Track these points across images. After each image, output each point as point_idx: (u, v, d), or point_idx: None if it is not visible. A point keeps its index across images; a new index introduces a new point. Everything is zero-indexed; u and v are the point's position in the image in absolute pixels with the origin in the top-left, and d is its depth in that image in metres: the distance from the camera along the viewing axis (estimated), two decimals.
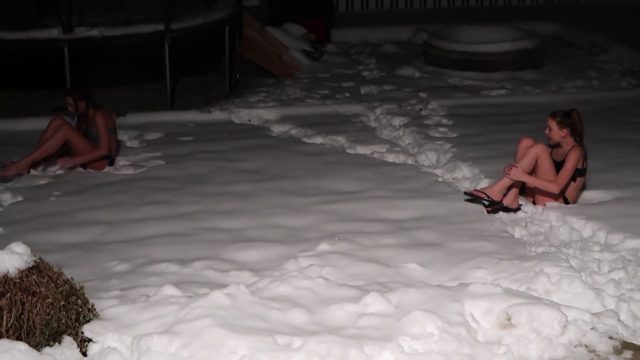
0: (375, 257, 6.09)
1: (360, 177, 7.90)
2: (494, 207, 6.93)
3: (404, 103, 10.53)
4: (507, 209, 6.93)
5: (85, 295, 5.00)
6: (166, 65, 10.35)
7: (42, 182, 7.89)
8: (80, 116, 8.22)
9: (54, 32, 10.04)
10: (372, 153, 8.68)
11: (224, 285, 5.33)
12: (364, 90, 11.38)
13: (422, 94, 10.98)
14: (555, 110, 7.11)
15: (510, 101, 10.63)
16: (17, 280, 4.71)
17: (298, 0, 13.75)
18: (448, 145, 8.66)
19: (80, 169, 8.23)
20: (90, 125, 8.19)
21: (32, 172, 8.09)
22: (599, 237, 6.38)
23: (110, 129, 8.25)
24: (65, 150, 8.23)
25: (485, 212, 6.97)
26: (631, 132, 9.11)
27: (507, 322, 5.02)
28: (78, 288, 4.96)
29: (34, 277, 4.76)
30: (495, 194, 6.89)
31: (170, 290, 5.26)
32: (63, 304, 4.77)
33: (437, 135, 9.14)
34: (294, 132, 9.50)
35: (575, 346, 4.93)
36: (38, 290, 4.72)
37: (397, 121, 9.76)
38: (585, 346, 4.94)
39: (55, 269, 4.93)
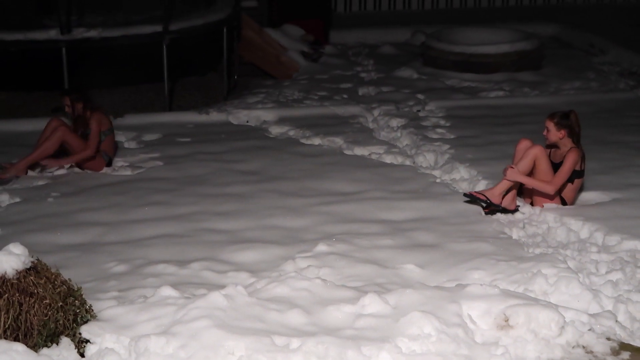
0: (373, 258, 6.09)
1: (358, 178, 7.90)
2: (492, 208, 6.94)
3: (401, 104, 10.53)
4: (505, 210, 6.94)
5: (83, 296, 5.00)
6: (164, 67, 10.35)
7: (40, 183, 7.89)
8: (77, 117, 8.21)
9: (53, 33, 10.04)
10: (370, 154, 8.68)
11: (221, 286, 5.33)
12: (361, 91, 11.38)
13: (420, 96, 10.98)
14: (553, 111, 7.12)
15: (509, 102, 10.63)
16: (15, 281, 4.71)
17: (296, 2, 13.75)
18: (446, 147, 8.66)
19: (78, 170, 8.23)
20: (87, 127, 8.19)
21: (30, 173, 8.10)
22: (596, 238, 6.38)
23: (107, 130, 8.25)
24: (62, 151, 8.23)
25: (483, 213, 6.97)
26: (629, 134, 9.11)
27: (505, 323, 5.02)
28: (76, 289, 4.96)
29: (32, 278, 4.76)
30: (495, 197, 6.89)
31: (168, 291, 5.26)
32: (61, 305, 4.77)
33: (435, 136, 9.14)
34: (292, 133, 9.50)
35: (573, 347, 4.94)
36: (36, 291, 4.73)
37: (395, 122, 9.76)
38: (583, 347, 4.94)
39: (53, 270, 4.93)
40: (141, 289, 5.58)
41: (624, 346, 4.97)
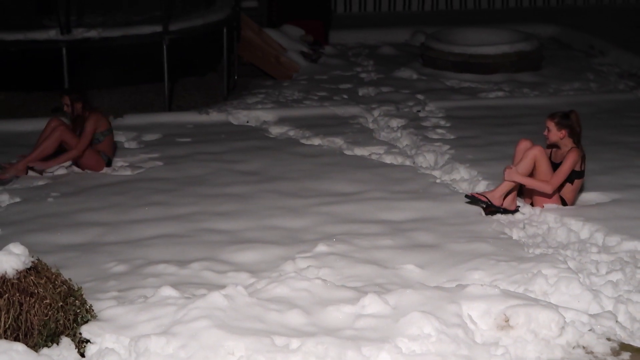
0: (373, 259, 6.09)
1: (358, 178, 7.90)
2: (492, 209, 6.94)
3: (401, 105, 10.53)
4: (505, 211, 6.94)
5: (83, 296, 5.00)
6: (164, 67, 10.35)
7: (40, 183, 7.89)
8: (76, 117, 8.21)
9: (53, 33, 10.04)
10: (370, 154, 8.68)
11: (221, 287, 5.33)
12: (361, 92, 11.38)
13: (419, 96, 10.98)
14: (553, 111, 7.12)
15: (508, 103, 10.63)
16: (15, 281, 4.71)
17: (296, 2, 13.75)
18: (446, 147, 8.67)
19: (78, 170, 8.23)
20: (84, 127, 8.18)
21: (30, 173, 8.09)
22: (596, 238, 6.39)
23: (106, 130, 8.24)
24: (62, 151, 8.22)
25: (483, 213, 6.97)
26: (629, 135, 9.12)
27: (505, 324, 5.02)
28: (76, 289, 4.97)
29: (32, 278, 4.76)
30: (496, 199, 6.89)
31: (168, 291, 5.26)
32: (61, 305, 4.77)
33: (435, 137, 9.14)
34: (291, 133, 9.50)
35: (573, 347, 4.94)
36: (36, 291, 4.73)
37: (395, 123, 9.76)
38: (583, 347, 4.95)
39: (53, 270, 4.94)
40: (141, 289, 5.58)
41: (624, 346, 4.97)
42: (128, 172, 8.23)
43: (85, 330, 4.86)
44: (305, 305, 5.12)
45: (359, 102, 10.76)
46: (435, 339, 4.81)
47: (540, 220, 6.80)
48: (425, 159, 8.49)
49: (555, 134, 6.94)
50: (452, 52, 12.29)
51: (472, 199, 7.00)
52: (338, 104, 10.67)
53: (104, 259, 6.17)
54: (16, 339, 4.65)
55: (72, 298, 4.87)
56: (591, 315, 5.17)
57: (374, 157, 8.61)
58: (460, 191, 7.54)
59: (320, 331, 4.87)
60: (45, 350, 4.69)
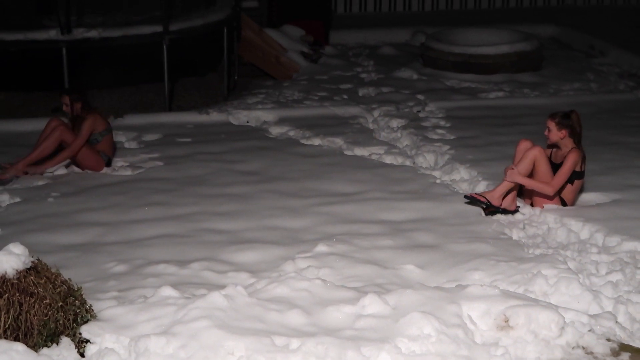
0: (373, 259, 6.09)
1: (358, 178, 7.90)
2: (492, 209, 6.94)
3: (401, 105, 10.53)
4: (505, 211, 6.94)
5: (83, 296, 5.00)
6: (165, 67, 10.35)
7: (40, 183, 7.89)
8: (74, 117, 8.21)
9: (53, 33, 10.04)
10: (370, 155, 8.68)
11: (221, 287, 5.33)
12: (362, 92, 11.38)
13: (420, 96, 10.98)
14: (554, 111, 7.12)
15: (509, 103, 10.63)
16: (15, 281, 4.71)
17: (296, 2, 13.75)
18: (446, 147, 8.67)
19: (78, 170, 8.23)
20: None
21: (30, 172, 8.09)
22: (596, 239, 6.39)
23: (104, 130, 8.23)
24: (61, 150, 8.22)
25: (483, 214, 6.97)
26: (629, 135, 9.12)
27: (505, 324, 5.02)
28: (76, 289, 4.97)
29: (32, 278, 4.76)
30: (495, 199, 6.89)
31: (168, 292, 5.26)
32: (61, 305, 4.77)
33: (435, 137, 9.15)
34: (292, 133, 9.50)
35: (573, 348, 4.94)
36: (36, 291, 4.73)
37: (395, 123, 9.76)
38: (583, 348, 4.95)
39: (53, 270, 4.94)
40: (141, 289, 5.58)
41: (624, 347, 4.97)
42: (128, 172, 8.23)
43: (85, 330, 4.86)
44: (305, 306, 5.13)
45: (359, 102, 10.77)
46: (435, 339, 4.81)
47: (540, 221, 6.80)
48: (426, 159, 8.49)
49: (555, 134, 6.94)
50: (452, 52, 12.29)
51: (472, 200, 7.00)
52: (338, 104, 10.67)
53: (104, 259, 6.17)
54: (16, 339, 4.65)
55: (72, 298, 4.87)
56: (591, 316, 5.17)
57: (374, 157, 8.61)
58: (460, 191, 7.54)
59: (320, 331, 4.87)
60: (45, 350, 4.69)
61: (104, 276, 5.87)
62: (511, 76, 11.97)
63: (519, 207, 7.02)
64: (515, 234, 6.59)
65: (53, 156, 8.16)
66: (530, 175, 6.91)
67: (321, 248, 6.23)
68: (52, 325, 4.72)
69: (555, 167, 6.93)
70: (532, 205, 7.07)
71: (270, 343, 4.72)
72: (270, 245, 6.38)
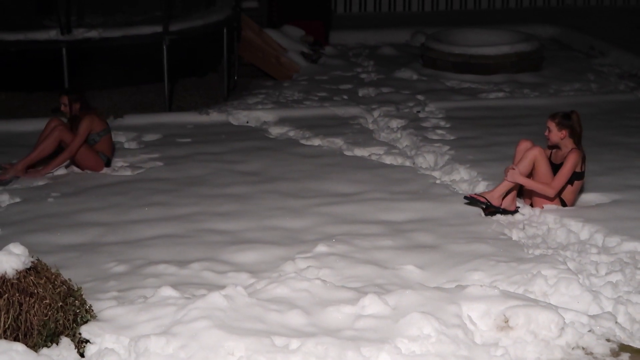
0: (373, 259, 6.09)
1: (358, 179, 7.90)
2: (492, 209, 6.94)
3: (401, 105, 10.54)
4: (504, 212, 6.94)
5: (83, 296, 5.00)
6: (165, 67, 10.35)
7: (40, 183, 7.89)
8: (73, 118, 8.20)
9: (53, 34, 10.04)
10: (370, 155, 8.68)
11: (221, 287, 5.33)
12: (361, 92, 11.39)
13: (420, 97, 10.98)
14: (555, 111, 7.12)
15: (509, 104, 10.63)
16: (15, 281, 4.71)
17: (296, 3, 13.75)
18: (446, 148, 8.67)
19: (78, 170, 8.23)
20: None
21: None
22: (596, 239, 6.39)
23: (102, 131, 8.23)
24: (61, 151, 8.22)
25: (482, 214, 6.97)
26: (629, 135, 9.12)
27: (505, 324, 5.02)
28: (76, 289, 4.97)
29: (32, 278, 4.76)
30: (495, 199, 6.89)
31: (168, 292, 5.26)
32: (61, 305, 4.77)
33: (435, 137, 9.15)
34: (292, 134, 9.50)
35: (573, 348, 4.94)
36: (36, 291, 4.73)
37: (395, 123, 9.77)
38: (583, 348, 4.95)
39: (53, 270, 4.94)
40: (141, 289, 5.58)
41: (623, 347, 4.98)
42: (128, 173, 8.23)
43: (85, 331, 4.86)
44: (305, 306, 5.13)
45: (359, 102, 10.77)
46: (435, 340, 4.81)
47: (540, 221, 6.80)
48: (425, 160, 8.50)
49: (556, 134, 6.94)
50: (452, 53, 12.30)
51: (471, 200, 7.00)
52: (338, 104, 10.67)
53: (104, 259, 6.17)
54: (16, 339, 4.65)
55: (71, 298, 4.88)
56: (591, 316, 5.17)
57: (374, 157, 8.61)
58: (460, 192, 7.54)
59: (320, 331, 4.88)
60: (44, 351, 4.69)
61: (104, 276, 5.87)
62: (511, 77, 11.97)
63: (518, 207, 7.02)
64: (515, 235, 6.59)
65: (52, 156, 8.16)
66: (530, 175, 6.91)
67: (321, 248, 6.23)
68: (52, 326, 4.72)
69: (555, 167, 6.93)
70: (531, 205, 7.07)
71: (270, 343, 4.72)
72: (270, 246, 6.38)
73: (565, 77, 12.01)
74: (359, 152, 8.79)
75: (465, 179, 7.87)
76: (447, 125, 9.63)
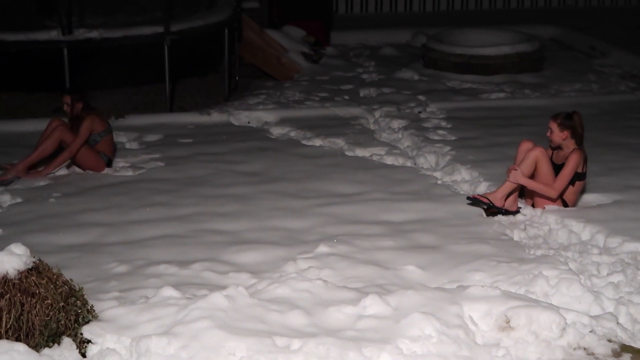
0: (374, 260, 6.09)
1: (359, 179, 7.90)
2: (494, 210, 6.93)
3: (403, 106, 10.54)
4: (506, 212, 6.94)
5: (85, 296, 5.00)
6: (166, 67, 10.36)
7: (42, 183, 7.89)
8: (74, 117, 8.20)
9: (54, 34, 10.05)
10: (371, 155, 8.68)
11: (223, 287, 5.33)
12: (363, 92, 11.39)
13: (421, 97, 10.98)
14: (556, 112, 7.12)
15: (510, 104, 10.64)
16: (17, 282, 4.71)
17: (297, 3, 13.75)
18: (447, 148, 8.67)
19: (79, 171, 8.24)
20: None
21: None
22: (597, 240, 6.39)
23: (103, 131, 8.23)
24: (62, 151, 8.22)
25: (484, 214, 6.97)
26: (630, 136, 9.12)
27: (506, 325, 5.02)
28: (77, 289, 4.97)
29: (33, 278, 4.77)
30: (498, 200, 6.89)
31: (169, 292, 5.27)
32: (62, 305, 4.78)
33: (436, 138, 9.15)
34: (293, 134, 9.50)
35: (574, 349, 4.94)
36: (37, 291, 4.73)
37: (396, 124, 9.77)
38: (584, 349, 4.95)
39: (55, 270, 4.94)
40: (142, 289, 5.58)
41: (625, 348, 4.98)
42: (129, 173, 8.23)
43: (87, 331, 4.86)
44: (306, 306, 5.13)
45: (360, 103, 10.77)
46: (436, 340, 4.81)
47: (541, 222, 6.80)
48: (427, 160, 8.50)
49: (557, 134, 6.93)
50: (453, 53, 12.30)
51: (474, 201, 6.99)
52: (339, 104, 10.68)
53: (105, 260, 6.17)
54: (17, 339, 4.66)
55: (73, 298, 4.88)
56: (592, 317, 5.17)
57: (375, 158, 8.61)
58: (462, 192, 7.54)
59: (321, 332, 4.88)
60: (46, 351, 4.69)
61: (105, 276, 5.87)
62: (512, 77, 11.97)
63: (520, 207, 7.02)
64: (517, 235, 6.59)
65: (53, 157, 8.16)
66: (532, 176, 6.90)
67: (322, 249, 6.23)
68: (54, 326, 4.72)
69: (556, 167, 6.93)
70: (533, 206, 7.07)
71: (271, 344, 4.72)
72: (272, 246, 6.38)
73: (566, 78, 12.01)
74: (360, 152, 8.79)
75: (467, 179, 7.87)
76: (448, 126, 9.63)
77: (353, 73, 12.52)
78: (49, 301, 4.73)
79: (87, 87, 8.68)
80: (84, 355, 4.80)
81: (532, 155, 6.86)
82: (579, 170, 6.92)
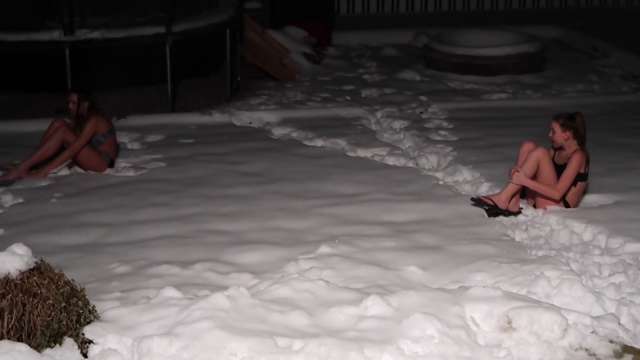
0: (376, 260, 6.09)
1: (361, 180, 7.90)
2: (496, 211, 6.93)
3: (404, 106, 10.54)
4: (508, 213, 6.93)
5: (86, 296, 5.01)
6: (167, 68, 10.36)
7: (43, 183, 7.90)
8: (78, 117, 8.20)
9: (56, 34, 10.05)
10: (372, 156, 8.69)
11: (224, 288, 5.34)
12: (364, 93, 11.39)
13: (422, 98, 10.98)
14: (559, 112, 7.12)
15: (511, 105, 10.63)
16: (18, 282, 4.72)
17: (299, 3, 13.75)
18: (449, 149, 8.67)
19: (81, 171, 8.24)
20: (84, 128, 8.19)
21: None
22: (599, 240, 6.38)
23: (107, 132, 8.23)
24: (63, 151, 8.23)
25: (485, 215, 6.97)
26: (631, 137, 9.12)
27: (508, 326, 5.02)
28: (79, 290, 4.98)
29: (35, 278, 4.77)
30: (502, 202, 6.88)
31: (170, 292, 5.27)
32: (64, 306, 4.78)
33: (437, 138, 9.14)
34: (294, 134, 9.50)
35: (576, 350, 4.94)
36: (39, 291, 4.74)
37: (398, 124, 9.77)
38: (586, 350, 4.95)
39: (56, 271, 4.94)
40: (144, 289, 5.58)
41: (626, 349, 4.97)
42: (131, 173, 8.23)
43: (88, 331, 4.87)
44: (307, 307, 5.13)
45: (362, 103, 10.77)
46: (437, 341, 4.81)
47: (542, 222, 6.80)
48: (428, 161, 8.50)
49: (560, 135, 6.93)
50: (454, 54, 12.29)
51: (478, 202, 6.99)
52: (341, 105, 10.68)
53: (107, 260, 6.18)
54: (19, 340, 4.66)
55: (75, 299, 4.88)
56: (594, 318, 5.17)
57: (376, 158, 8.61)
58: (463, 193, 7.54)
59: (322, 332, 4.88)
60: (48, 351, 4.69)
61: (107, 277, 5.87)
62: (514, 77, 11.97)
63: (521, 208, 7.01)
64: (518, 236, 6.59)
65: (55, 157, 8.16)
66: (534, 176, 6.90)
67: (324, 249, 6.23)
68: (55, 326, 4.72)
69: (558, 168, 6.93)
70: (534, 206, 7.06)
71: (272, 344, 4.72)
72: (273, 247, 6.39)
73: (568, 78, 12.00)
74: (362, 153, 8.79)
75: (468, 180, 7.87)
76: (450, 126, 9.63)
77: (354, 73, 12.52)
78: (51, 301, 4.73)
79: (92, 88, 8.68)
80: (85, 356, 4.81)
81: (534, 156, 6.86)
82: (581, 171, 6.91)
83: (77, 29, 10.09)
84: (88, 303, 4.99)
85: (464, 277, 5.75)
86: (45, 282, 4.78)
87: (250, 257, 6.21)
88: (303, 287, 5.33)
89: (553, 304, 5.26)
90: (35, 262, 4.87)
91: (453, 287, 5.53)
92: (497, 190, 7.21)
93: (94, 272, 5.95)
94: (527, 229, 6.72)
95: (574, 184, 6.93)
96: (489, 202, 6.90)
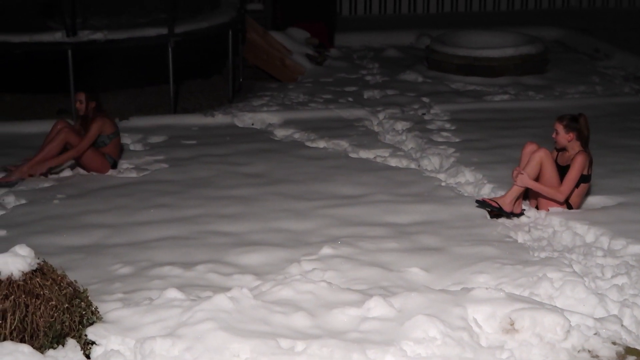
0: (378, 262, 6.09)
1: (363, 181, 7.90)
2: (499, 213, 6.92)
3: (406, 108, 10.54)
4: (510, 214, 6.93)
5: (89, 298, 5.01)
6: (170, 69, 10.37)
7: (46, 184, 7.90)
8: (84, 117, 8.21)
9: (58, 36, 10.06)
10: (375, 157, 8.69)
11: (227, 289, 5.34)
12: (366, 94, 11.39)
13: (424, 99, 10.98)
14: (562, 114, 7.11)
15: (514, 106, 10.63)
16: (21, 283, 4.72)
17: (301, 5, 13.76)
18: (451, 150, 8.67)
19: (84, 172, 8.24)
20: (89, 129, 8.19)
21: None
22: (602, 242, 6.38)
23: (112, 133, 8.24)
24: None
25: (488, 216, 6.97)
26: (634, 138, 9.11)
27: (510, 327, 5.02)
28: (82, 291, 4.98)
29: (38, 279, 4.77)
30: (507, 204, 6.87)
31: (173, 294, 5.27)
32: (67, 307, 4.78)
33: (440, 139, 9.14)
34: (297, 136, 9.51)
35: (578, 351, 4.93)
36: (42, 292, 4.74)
37: (400, 126, 9.77)
38: (588, 351, 4.94)
39: (59, 272, 4.95)
40: (146, 291, 5.58)
41: (629, 350, 4.97)
42: (133, 175, 8.24)
43: (91, 332, 4.87)
44: (310, 308, 5.13)
45: (364, 104, 10.77)
46: (440, 342, 4.81)
47: (545, 224, 6.80)
48: (431, 162, 8.49)
49: (563, 136, 6.93)
50: (457, 55, 12.29)
51: (483, 204, 6.98)
52: (343, 106, 10.68)
53: (110, 261, 6.18)
54: (22, 341, 4.66)
55: (77, 300, 4.88)
56: (596, 319, 5.16)
57: (379, 159, 8.61)
58: (466, 194, 7.54)
59: (325, 334, 4.88)
60: (50, 352, 4.70)
61: (110, 278, 5.88)
62: (516, 79, 11.97)
63: (524, 209, 7.01)
64: (521, 237, 6.59)
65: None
66: (537, 177, 6.90)
67: (326, 250, 6.23)
68: (58, 327, 4.73)
69: (561, 169, 6.93)
70: (537, 208, 7.06)
71: (275, 345, 4.72)
72: (275, 248, 6.39)
73: (570, 80, 12.00)
74: (364, 154, 8.79)
75: (471, 181, 7.87)
76: (452, 128, 9.63)
77: (357, 75, 12.52)
78: (54, 302, 4.73)
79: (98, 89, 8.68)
80: (88, 357, 4.81)
81: (537, 157, 6.85)
82: (584, 173, 6.91)
83: (79, 30, 10.10)
84: (91, 304, 4.99)
85: (467, 279, 5.75)
86: (48, 283, 4.79)
87: (253, 258, 6.21)
88: (305, 288, 5.33)
89: (556, 306, 5.26)
90: (38, 263, 4.87)
91: (455, 288, 5.53)
92: (500, 192, 7.21)
93: (97, 273, 5.95)
94: (529, 231, 6.72)
95: (577, 185, 6.93)
96: (494, 204, 6.90)
